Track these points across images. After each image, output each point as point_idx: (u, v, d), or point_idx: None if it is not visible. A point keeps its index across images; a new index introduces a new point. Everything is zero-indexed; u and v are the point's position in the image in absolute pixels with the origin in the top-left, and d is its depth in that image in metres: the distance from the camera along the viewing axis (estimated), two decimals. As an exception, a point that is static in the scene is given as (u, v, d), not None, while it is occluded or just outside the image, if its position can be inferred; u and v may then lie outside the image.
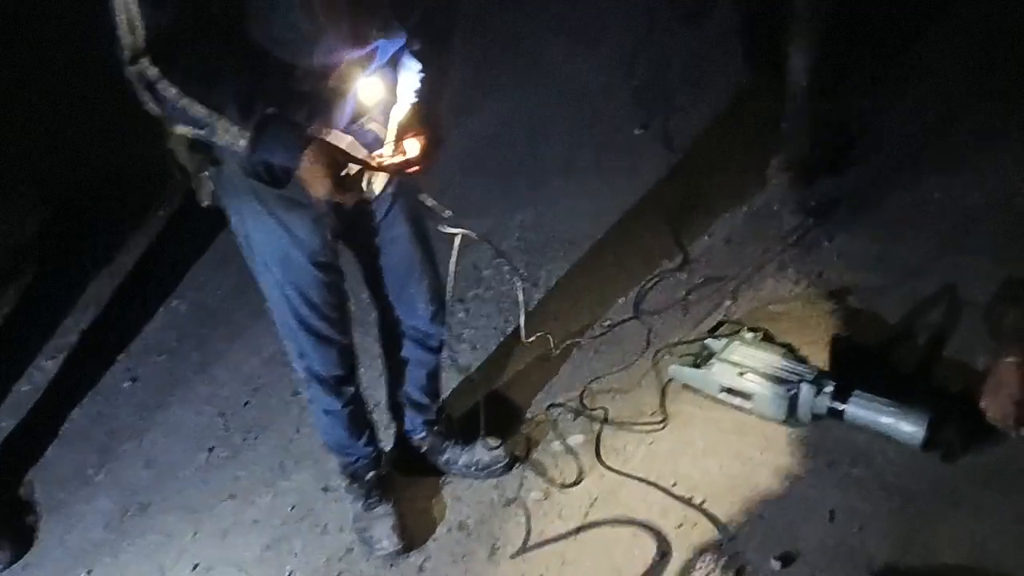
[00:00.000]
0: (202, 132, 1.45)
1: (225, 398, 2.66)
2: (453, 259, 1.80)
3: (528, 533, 2.08)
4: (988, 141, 2.85)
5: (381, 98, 1.62)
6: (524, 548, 2.05)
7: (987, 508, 1.89)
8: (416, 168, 1.61)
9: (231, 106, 1.44)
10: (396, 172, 1.63)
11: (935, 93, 3.12)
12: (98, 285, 3.21)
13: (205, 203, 1.71)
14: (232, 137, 1.44)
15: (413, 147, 1.61)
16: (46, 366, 2.91)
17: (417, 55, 1.67)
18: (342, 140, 1.58)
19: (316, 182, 1.50)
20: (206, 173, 1.65)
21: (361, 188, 1.55)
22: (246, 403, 2.63)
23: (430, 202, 1.80)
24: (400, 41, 1.63)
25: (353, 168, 1.55)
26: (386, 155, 1.61)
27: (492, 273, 2.92)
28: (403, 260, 1.92)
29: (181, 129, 1.48)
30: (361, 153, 1.60)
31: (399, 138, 1.60)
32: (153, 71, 1.40)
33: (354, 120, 1.63)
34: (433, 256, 1.96)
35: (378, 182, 1.71)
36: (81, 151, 3.30)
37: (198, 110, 1.42)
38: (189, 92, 1.41)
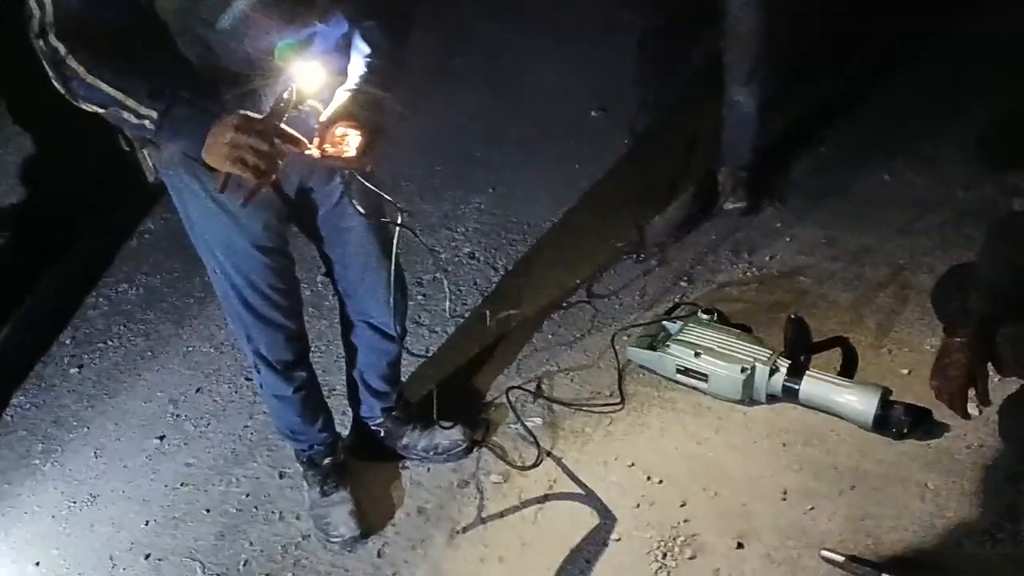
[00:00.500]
0: (107, 112, 1.40)
1: (176, 385, 2.60)
2: (394, 251, 1.77)
3: (487, 516, 2.08)
4: (935, 133, 2.93)
5: (321, 84, 1.52)
6: (483, 530, 2.05)
7: (932, 488, 1.95)
8: (351, 159, 1.52)
9: (140, 87, 1.38)
10: (326, 161, 1.54)
11: (887, 87, 3.18)
12: (39, 266, 3.10)
13: (150, 178, 1.65)
14: (137, 119, 1.39)
15: (350, 137, 1.52)
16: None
17: (369, 41, 1.59)
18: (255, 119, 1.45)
19: (216, 157, 1.40)
20: (146, 149, 1.59)
21: (272, 171, 1.42)
22: (197, 390, 2.57)
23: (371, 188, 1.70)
24: (342, 28, 1.57)
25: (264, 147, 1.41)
26: (314, 142, 1.50)
27: (450, 256, 2.90)
28: (359, 251, 1.87)
29: (87, 107, 1.41)
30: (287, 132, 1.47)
31: (330, 125, 1.51)
32: (60, 47, 1.35)
33: (294, 106, 1.54)
34: (391, 249, 1.90)
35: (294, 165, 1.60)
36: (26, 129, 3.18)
37: (104, 89, 1.37)
38: (95, 71, 1.36)
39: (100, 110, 1.40)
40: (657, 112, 3.12)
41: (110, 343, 2.79)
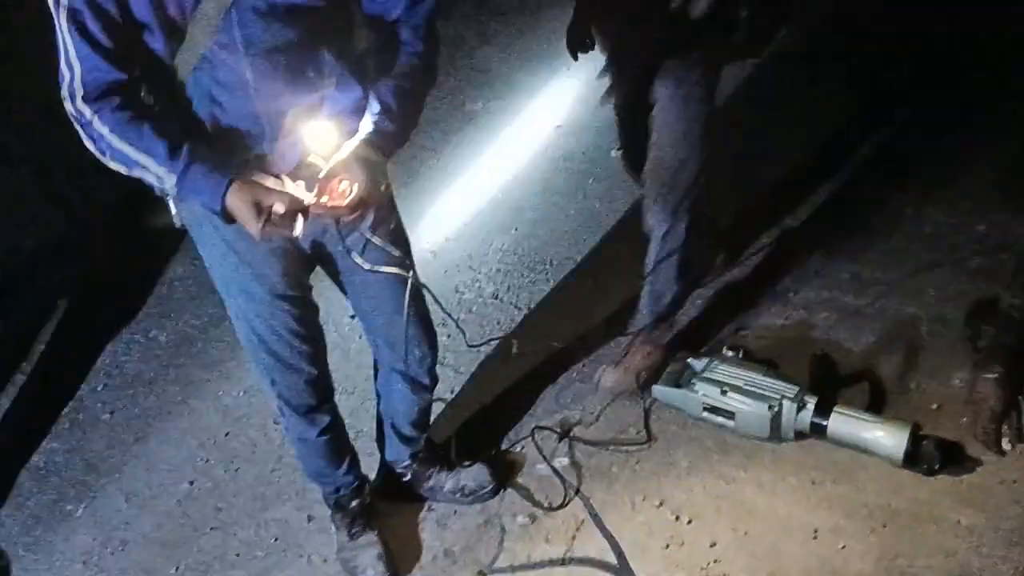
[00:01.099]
0: (133, 173, 1.46)
1: (205, 429, 2.63)
2: (406, 301, 1.79)
3: (514, 558, 2.07)
4: (956, 168, 2.92)
5: (333, 145, 1.54)
6: (511, 573, 2.04)
7: (966, 525, 1.91)
8: (347, 212, 1.53)
9: (159, 148, 1.44)
10: (325, 214, 1.54)
11: (908, 120, 3.19)
12: (74, 314, 3.17)
13: (177, 223, 1.70)
14: (159, 180, 1.45)
15: (346, 189, 1.52)
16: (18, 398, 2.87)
17: (382, 102, 1.60)
18: (266, 179, 1.51)
19: (241, 220, 1.47)
20: (171, 199, 1.65)
21: (290, 226, 1.47)
22: (227, 434, 2.60)
23: (378, 241, 1.75)
24: (355, 91, 1.61)
25: (280, 207, 1.45)
26: (311, 196, 1.51)
27: (473, 296, 2.93)
28: (384, 303, 1.88)
29: (112, 166, 1.47)
30: (289, 191, 1.50)
31: (327, 179, 1.52)
32: (87, 110, 1.42)
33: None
34: (422, 301, 1.93)
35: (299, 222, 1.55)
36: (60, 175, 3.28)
37: (127, 152, 1.43)
38: (119, 133, 1.43)
39: (123, 169, 1.46)
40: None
41: (141, 389, 2.83)
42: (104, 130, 1.43)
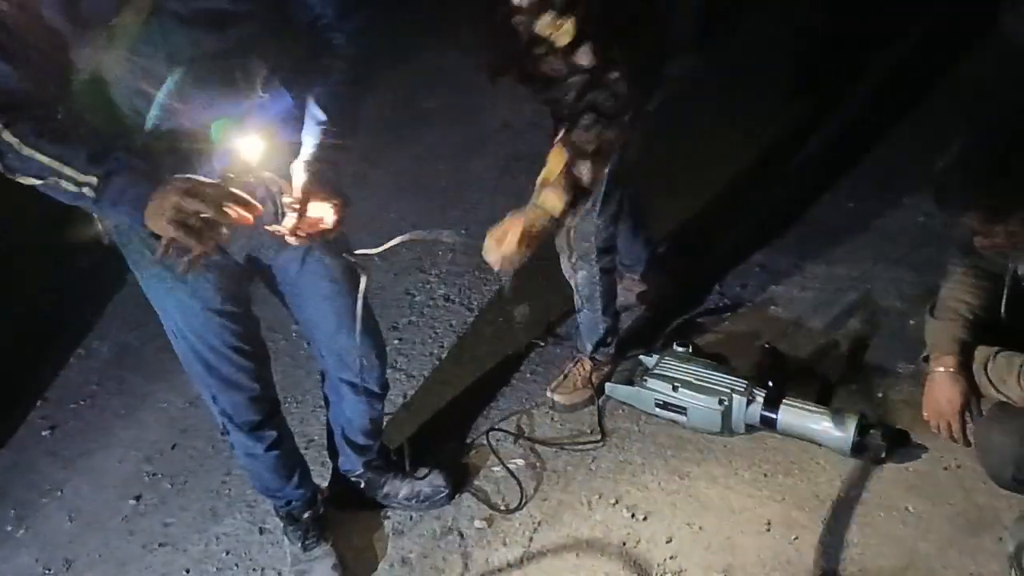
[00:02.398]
0: (45, 183, 1.36)
1: (151, 443, 2.56)
2: (360, 301, 1.67)
3: (472, 564, 2.06)
4: (896, 163, 2.99)
5: (263, 155, 1.44)
6: (469, 579, 2.03)
7: (914, 512, 1.96)
8: (327, 231, 1.52)
9: (78, 154, 1.35)
10: (304, 241, 1.52)
11: (852, 116, 3.25)
12: (9, 327, 3.06)
13: (105, 240, 1.64)
14: (76, 187, 1.35)
15: (322, 211, 1.50)
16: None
17: (324, 107, 1.55)
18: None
19: (158, 221, 1.35)
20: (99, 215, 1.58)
21: (216, 238, 1.37)
22: (173, 446, 2.54)
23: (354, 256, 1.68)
24: (284, 100, 1.56)
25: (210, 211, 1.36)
26: (289, 221, 1.47)
27: (424, 299, 2.90)
28: (327, 316, 1.84)
29: (24, 181, 1.37)
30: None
31: (303, 206, 1.48)
32: None
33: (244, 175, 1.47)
34: (369, 309, 1.88)
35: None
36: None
37: (40, 160, 1.34)
38: (31, 142, 1.33)
39: (37, 182, 1.36)
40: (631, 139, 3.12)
41: (83, 402, 2.75)
42: (13, 140, 1.33)
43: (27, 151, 1.33)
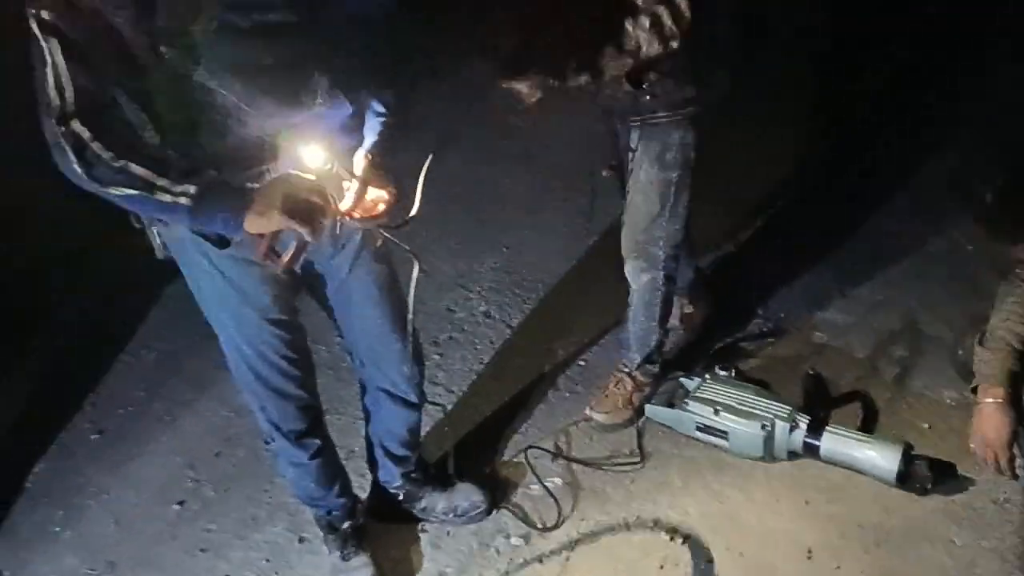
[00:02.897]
0: (137, 194, 1.38)
1: (194, 450, 2.60)
2: (412, 288, 1.68)
3: (509, 580, 2.06)
4: (944, 187, 2.96)
5: (325, 164, 1.50)
6: (505, 596, 2.03)
7: (960, 544, 1.92)
8: (380, 216, 1.56)
9: (171, 166, 1.39)
10: (362, 224, 1.58)
11: (896, 141, 3.23)
12: (61, 336, 3.14)
13: (159, 255, 1.67)
14: (172, 198, 1.38)
15: (377, 196, 1.56)
16: (7, 419, 2.83)
17: (384, 103, 1.64)
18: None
19: (263, 218, 1.39)
20: (155, 227, 1.62)
21: (326, 211, 1.43)
22: (217, 454, 2.57)
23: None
24: (346, 109, 1.60)
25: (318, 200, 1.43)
26: (347, 203, 1.53)
27: (465, 315, 2.92)
28: (372, 323, 1.87)
29: (114, 192, 1.39)
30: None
31: (362, 192, 1.53)
32: (85, 133, 1.34)
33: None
34: (406, 320, 1.87)
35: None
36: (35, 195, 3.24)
37: (133, 171, 1.36)
38: (123, 154, 1.36)
39: (131, 192, 1.38)
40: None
41: (130, 409, 2.80)
42: (106, 152, 1.35)
43: (119, 163, 1.36)
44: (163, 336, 3.07)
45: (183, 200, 1.38)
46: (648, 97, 1.97)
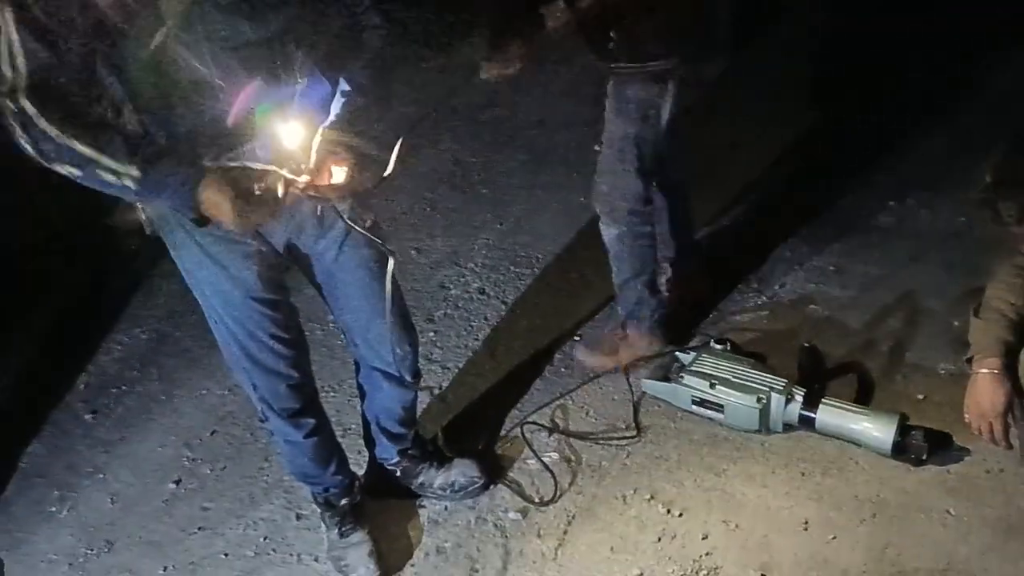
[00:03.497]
0: (82, 173, 1.37)
1: (190, 428, 2.60)
2: (388, 282, 1.74)
3: (506, 554, 2.07)
4: (940, 164, 2.95)
5: (303, 142, 1.49)
6: (503, 569, 2.04)
7: (955, 515, 1.94)
8: (343, 193, 1.55)
9: (117, 144, 1.36)
10: (319, 196, 1.55)
11: (891, 117, 3.21)
12: (52, 314, 3.12)
13: (147, 231, 1.66)
14: (116, 177, 1.36)
15: (338, 172, 1.52)
16: None
17: (351, 83, 1.61)
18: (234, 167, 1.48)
19: (220, 212, 1.42)
20: (140, 203, 1.61)
21: (273, 204, 1.45)
22: (212, 432, 2.57)
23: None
24: (323, 86, 1.59)
25: (258, 185, 1.45)
26: (303, 180, 1.50)
27: (459, 292, 2.91)
28: (362, 302, 1.86)
29: (60, 170, 1.38)
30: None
31: (320, 163, 1.50)
32: (31, 108, 1.33)
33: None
34: (400, 298, 1.91)
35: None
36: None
37: (79, 149, 1.34)
38: (68, 130, 1.34)
39: (75, 171, 1.37)
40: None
41: (124, 388, 2.79)
42: (51, 129, 1.33)
43: (64, 139, 1.34)
44: (157, 315, 3.06)
45: (127, 182, 1.37)
46: (611, 46, 2.03)
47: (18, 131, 1.34)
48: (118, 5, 1.34)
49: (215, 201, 1.42)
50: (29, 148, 1.35)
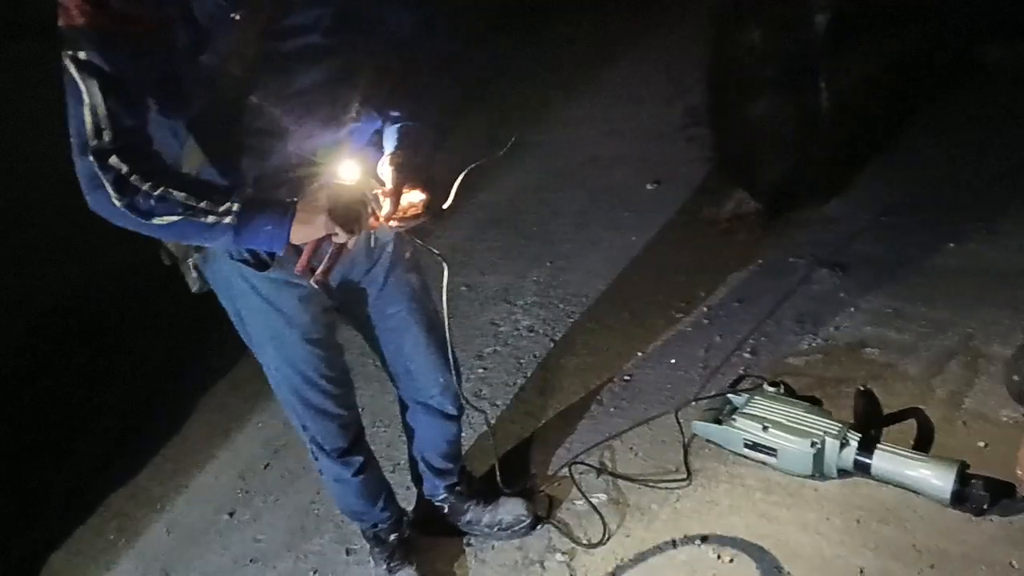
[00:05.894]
0: (179, 221, 1.38)
1: (245, 461, 2.66)
2: (444, 288, 1.73)
3: (554, 596, 2.05)
4: (1001, 202, 2.88)
5: (360, 177, 1.54)
6: (550, 612, 2.02)
7: (1019, 568, 1.86)
8: (420, 216, 1.58)
9: (208, 189, 1.41)
10: (403, 221, 1.58)
11: (951, 154, 3.16)
12: (116, 347, 3.23)
13: (194, 289, 1.70)
14: (215, 218, 1.39)
15: (414, 198, 1.57)
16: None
17: (397, 106, 1.66)
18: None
19: (307, 226, 1.44)
20: (191, 260, 1.66)
21: (365, 212, 1.49)
22: (266, 465, 2.62)
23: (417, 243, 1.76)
24: (375, 123, 1.65)
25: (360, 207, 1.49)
26: (385, 209, 1.55)
27: (509, 329, 2.93)
28: (405, 337, 1.90)
29: (155, 222, 1.38)
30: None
31: (396, 199, 1.55)
32: (123, 166, 1.34)
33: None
34: (441, 330, 1.94)
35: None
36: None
37: (175, 197, 1.37)
38: (161, 182, 1.37)
39: (174, 218, 1.39)
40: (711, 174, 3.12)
41: (182, 419, 2.86)
42: (145, 184, 1.36)
43: (159, 191, 1.37)
44: (217, 348, 3.13)
45: (227, 219, 1.40)
46: None
47: (109, 191, 1.35)
48: (195, 65, 1.40)
49: (310, 219, 1.44)
50: (122, 207, 1.36)
